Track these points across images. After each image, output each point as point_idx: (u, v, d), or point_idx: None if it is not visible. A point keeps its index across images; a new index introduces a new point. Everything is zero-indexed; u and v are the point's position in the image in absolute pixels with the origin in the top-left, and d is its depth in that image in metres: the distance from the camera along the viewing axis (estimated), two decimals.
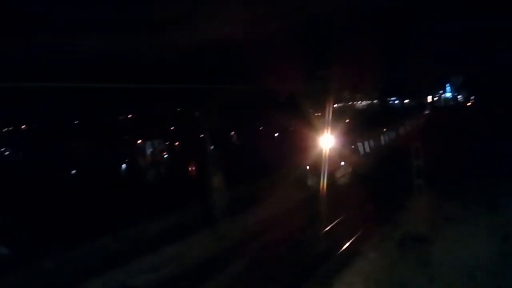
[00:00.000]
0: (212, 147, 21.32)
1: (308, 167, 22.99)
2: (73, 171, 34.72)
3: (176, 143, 46.22)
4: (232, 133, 47.43)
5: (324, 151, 21.98)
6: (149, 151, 40.73)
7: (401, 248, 13.16)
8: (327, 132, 22.79)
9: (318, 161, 21.78)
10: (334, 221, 17.20)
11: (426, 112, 67.80)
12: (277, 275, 12.80)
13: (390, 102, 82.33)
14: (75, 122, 52.91)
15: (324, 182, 19.82)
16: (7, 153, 49.01)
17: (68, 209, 20.62)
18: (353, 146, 26.13)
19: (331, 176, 21.22)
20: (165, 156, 40.83)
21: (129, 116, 57.59)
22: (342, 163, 23.76)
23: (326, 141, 22.48)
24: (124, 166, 36.91)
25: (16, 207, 20.63)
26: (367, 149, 28.80)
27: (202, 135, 21.37)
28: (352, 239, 14.68)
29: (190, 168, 29.00)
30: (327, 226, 16.68)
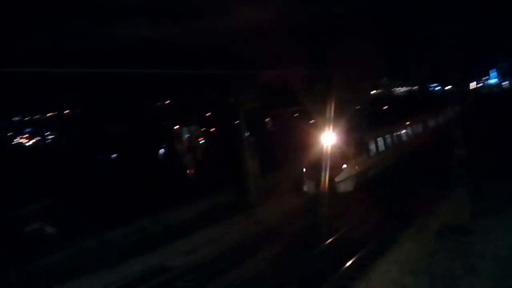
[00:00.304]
0: (247, 133, 21.41)
1: (304, 170, 19.72)
2: (113, 155, 35.84)
3: (212, 129, 46.73)
4: (267, 119, 47.40)
5: (323, 150, 18.62)
6: (185, 136, 41.43)
7: (439, 239, 12.85)
8: (329, 127, 19.13)
9: (315, 163, 18.87)
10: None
11: (469, 99, 65.16)
12: (312, 262, 12.85)
13: (431, 88, 79.64)
14: (115, 107, 54.31)
15: (324, 188, 17.43)
16: (51, 137, 51.21)
17: (109, 191, 21.41)
18: (361, 143, 20.90)
19: (329, 181, 17.96)
20: (201, 141, 41.41)
21: (167, 102, 58.53)
22: (344, 165, 19.31)
23: (327, 138, 18.90)
24: (161, 151, 37.75)
25: (62, 189, 21.59)
26: (383, 147, 23.01)
27: (238, 121, 21.44)
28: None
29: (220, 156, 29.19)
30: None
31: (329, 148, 18.48)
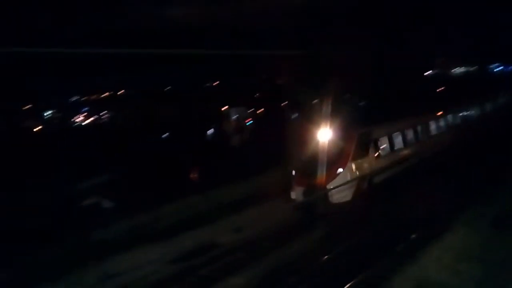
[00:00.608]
0: (295, 115, 21.27)
1: (293, 173, 16.38)
2: (165, 135, 36.84)
3: (260, 110, 46.80)
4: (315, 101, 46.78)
5: (316, 148, 15.66)
6: (234, 117, 41.95)
7: (496, 226, 12.29)
8: (326, 119, 15.79)
9: (306, 164, 15.95)
10: None
11: None
12: (358, 246, 12.73)
13: (492, 69, 74.71)
14: (166, 88, 55.65)
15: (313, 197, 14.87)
16: (107, 116, 53.45)
17: (161, 169, 22.14)
18: (365, 140, 16.48)
19: (320, 189, 15.03)
20: (249, 122, 41.69)
21: (215, 83, 59.09)
22: (340, 169, 15.44)
23: (321, 133, 15.70)
24: (210, 131, 38.40)
25: (117, 165, 22.55)
26: (402, 142, 18.63)
27: (285, 103, 21.27)
28: None
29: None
30: None
31: (323, 146, 15.40)
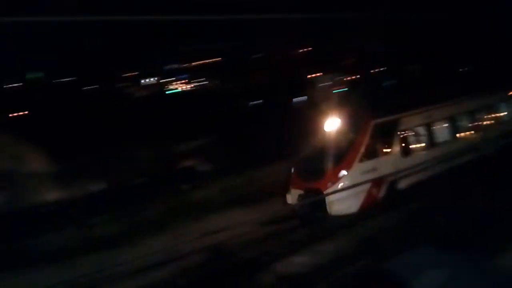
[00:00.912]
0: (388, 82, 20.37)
1: (292, 171, 13.43)
2: (255, 102, 37.62)
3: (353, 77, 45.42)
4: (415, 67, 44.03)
5: (319, 141, 13.10)
6: (321, 85, 41.52)
7: None
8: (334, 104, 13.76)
9: (305, 161, 13.27)
10: None
11: None
12: (451, 223, 12.20)
13: None
14: (256, 56, 55.91)
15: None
16: (204, 83, 55.75)
17: (251, 134, 22.76)
18: (384, 131, 13.00)
19: (314, 194, 12.29)
20: (337, 90, 40.88)
21: (301, 50, 57.92)
22: (343, 172, 12.14)
23: (329, 123, 12.93)
24: (299, 99, 38.41)
25: (212, 131, 23.69)
26: (449, 134, 14.81)
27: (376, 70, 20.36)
28: None
29: None
30: None
31: (327, 139, 12.77)
